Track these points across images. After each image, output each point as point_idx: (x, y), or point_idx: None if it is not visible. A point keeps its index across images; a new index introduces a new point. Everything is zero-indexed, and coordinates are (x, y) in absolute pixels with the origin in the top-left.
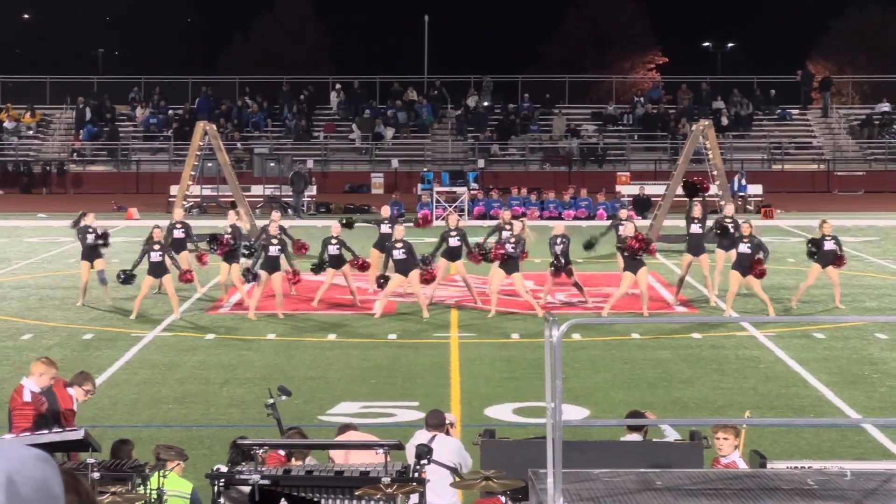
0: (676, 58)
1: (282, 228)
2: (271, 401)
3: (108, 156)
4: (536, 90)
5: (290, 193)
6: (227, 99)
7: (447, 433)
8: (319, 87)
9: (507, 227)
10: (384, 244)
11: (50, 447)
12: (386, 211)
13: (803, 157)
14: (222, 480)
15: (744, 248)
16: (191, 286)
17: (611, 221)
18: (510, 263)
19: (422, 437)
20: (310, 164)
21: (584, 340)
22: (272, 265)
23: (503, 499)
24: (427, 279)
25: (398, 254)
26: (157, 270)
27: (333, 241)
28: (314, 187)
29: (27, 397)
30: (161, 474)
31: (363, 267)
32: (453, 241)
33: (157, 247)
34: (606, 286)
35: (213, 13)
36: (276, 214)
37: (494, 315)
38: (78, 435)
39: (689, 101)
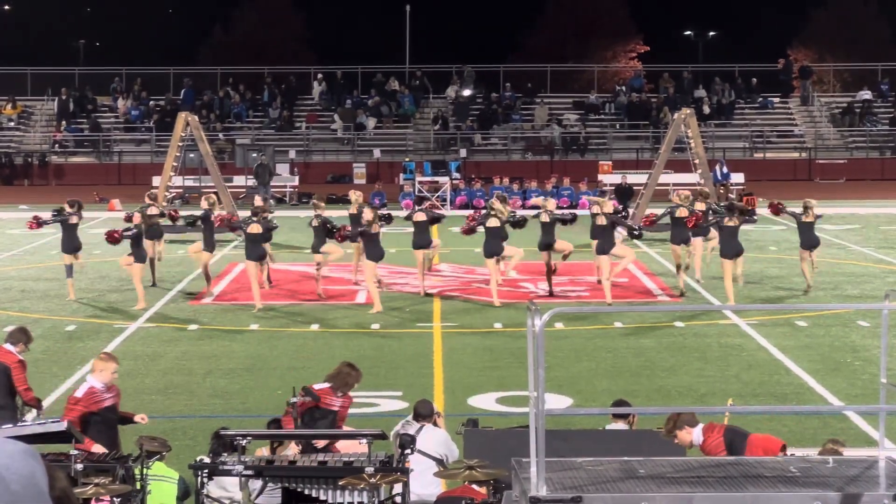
0: (658, 46)
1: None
2: (294, 399)
3: (90, 147)
4: (518, 79)
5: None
6: (209, 90)
7: (435, 424)
8: (301, 78)
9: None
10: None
11: (32, 439)
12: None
13: (785, 146)
14: (206, 471)
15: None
16: (174, 278)
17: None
18: (495, 245)
19: (409, 427)
20: (292, 154)
21: (567, 329)
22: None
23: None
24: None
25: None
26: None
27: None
28: (297, 177)
29: (79, 392)
30: (144, 464)
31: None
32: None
33: (133, 230)
34: (590, 275)
35: (194, 4)
36: (257, 199)
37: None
38: (61, 426)
39: (671, 90)
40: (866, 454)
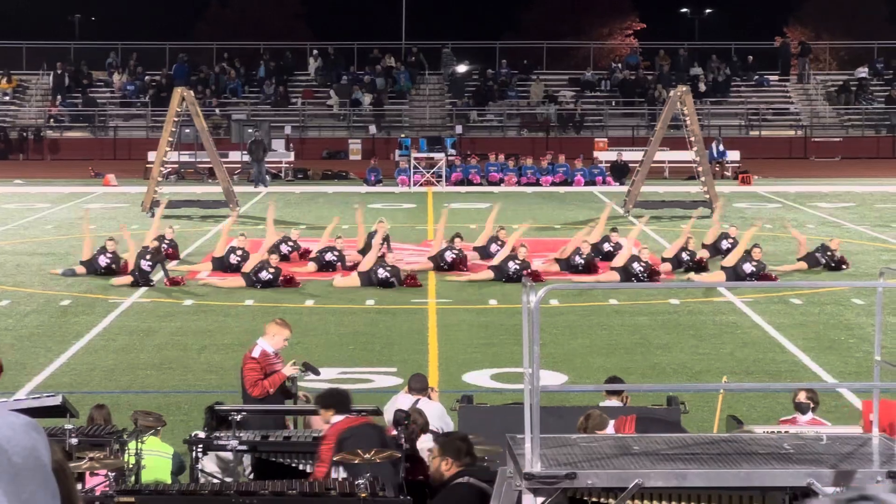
0: (654, 24)
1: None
2: (295, 374)
3: (85, 122)
4: (514, 56)
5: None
6: (205, 65)
7: (429, 398)
8: (297, 54)
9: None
10: None
11: (28, 413)
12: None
13: (780, 124)
14: (201, 446)
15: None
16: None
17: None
18: None
19: (404, 400)
20: (287, 130)
21: (562, 306)
22: None
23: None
24: None
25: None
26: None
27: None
28: (292, 153)
29: (255, 353)
30: (139, 439)
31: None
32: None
33: (148, 256)
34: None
35: None
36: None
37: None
38: (56, 401)
39: (667, 68)
40: (859, 431)
